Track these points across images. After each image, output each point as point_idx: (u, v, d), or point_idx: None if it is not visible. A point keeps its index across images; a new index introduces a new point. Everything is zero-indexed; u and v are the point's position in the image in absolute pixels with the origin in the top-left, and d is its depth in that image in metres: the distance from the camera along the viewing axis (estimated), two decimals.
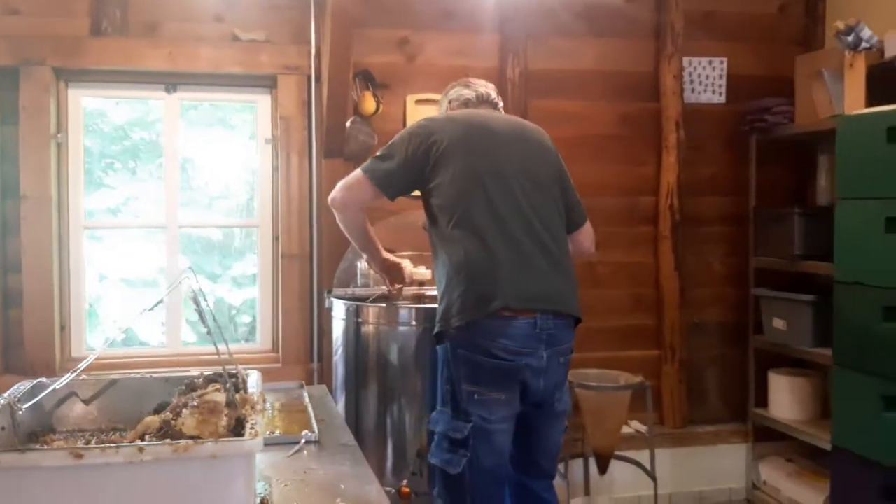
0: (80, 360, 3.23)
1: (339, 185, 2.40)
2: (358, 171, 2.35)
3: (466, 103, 2.52)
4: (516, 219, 2.24)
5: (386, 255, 2.66)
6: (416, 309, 2.79)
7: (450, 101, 2.56)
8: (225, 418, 1.36)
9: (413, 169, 2.29)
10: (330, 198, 2.42)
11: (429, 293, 3.15)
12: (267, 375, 1.72)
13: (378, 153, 2.36)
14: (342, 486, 1.60)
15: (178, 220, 3.53)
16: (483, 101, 2.54)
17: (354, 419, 2.80)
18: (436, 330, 2.23)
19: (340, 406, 2.84)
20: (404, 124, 3.54)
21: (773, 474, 3.75)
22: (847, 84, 3.14)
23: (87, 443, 1.55)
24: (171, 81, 3.45)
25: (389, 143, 2.36)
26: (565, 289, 2.25)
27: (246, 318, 3.92)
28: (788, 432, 3.62)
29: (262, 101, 3.57)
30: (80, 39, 3.25)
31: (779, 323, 3.62)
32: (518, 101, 3.64)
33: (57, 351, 3.30)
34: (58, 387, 1.57)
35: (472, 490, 2.16)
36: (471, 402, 2.15)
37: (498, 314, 2.13)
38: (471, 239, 2.19)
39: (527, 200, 2.27)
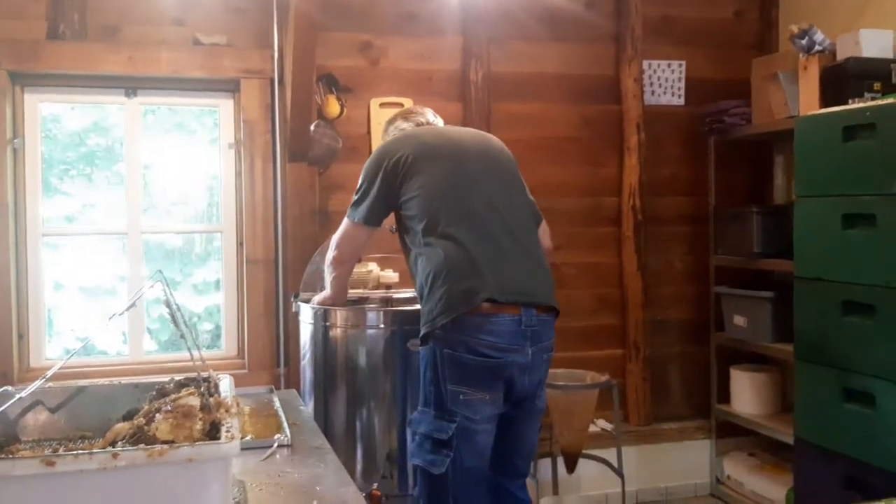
0: (39, 369, 3.20)
1: (334, 242, 2.54)
2: (345, 222, 2.48)
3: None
4: (490, 217, 2.29)
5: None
6: (385, 311, 2.79)
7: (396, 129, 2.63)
8: (200, 422, 1.34)
9: (389, 191, 2.37)
10: (330, 259, 2.57)
11: (396, 296, 3.15)
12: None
13: (354, 198, 2.46)
14: (318, 489, 1.60)
15: (141, 226, 3.47)
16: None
17: (323, 423, 2.78)
18: (422, 332, 2.24)
19: (309, 410, 2.82)
20: (368, 128, 3.55)
21: (737, 469, 3.82)
22: (801, 86, 3.23)
23: (55, 451, 1.52)
24: (131, 86, 3.39)
25: (358, 185, 2.46)
26: (545, 282, 2.31)
27: (208, 326, 3.87)
28: (750, 427, 3.69)
29: (225, 106, 3.53)
30: (37, 43, 3.18)
31: (739, 320, 3.69)
32: (481, 104, 3.66)
33: (15, 361, 3.22)
34: (25, 395, 1.53)
35: (454, 490, 2.18)
36: (456, 402, 2.16)
37: (483, 310, 2.15)
38: (449, 241, 2.23)
39: (498, 199, 2.34)
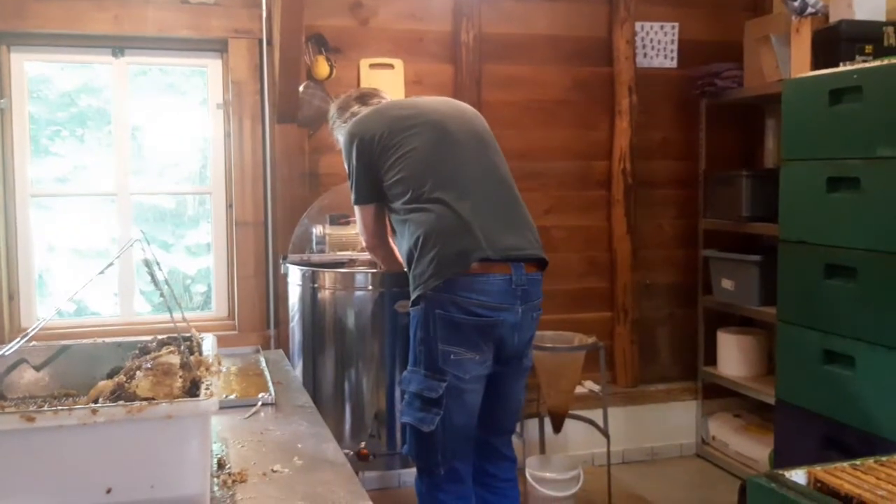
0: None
1: (359, 231, 2.58)
2: (355, 209, 2.50)
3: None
4: (474, 178, 2.31)
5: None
6: (372, 274, 2.81)
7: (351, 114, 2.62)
8: (180, 380, 1.36)
9: (369, 169, 2.39)
10: (368, 249, 2.63)
11: None
12: (223, 342, 1.72)
13: (350, 183, 2.48)
14: (299, 446, 1.63)
15: (130, 187, 3.47)
16: None
17: (312, 384, 2.82)
18: (414, 295, 2.26)
19: (298, 371, 2.85)
20: None
21: (722, 429, 3.87)
22: (793, 48, 3.20)
23: (39, 408, 1.54)
24: (119, 45, 3.37)
25: (346, 169, 2.49)
26: (533, 236, 2.34)
27: (201, 288, 3.89)
28: (736, 389, 3.73)
29: (213, 66, 3.51)
30: (23, 1, 3.14)
31: (727, 283, 3.71)
32: (472, 66, 3.64)
33: (6, 321, 3.24)
34: (7, 353, 1.55)
35: (443, 447, 2.22)
36: (447, 361, 2.19)
37: (473, 270, 2.17)
38: (437, 204, 2.24)
39: (480, 160, 2.37)
